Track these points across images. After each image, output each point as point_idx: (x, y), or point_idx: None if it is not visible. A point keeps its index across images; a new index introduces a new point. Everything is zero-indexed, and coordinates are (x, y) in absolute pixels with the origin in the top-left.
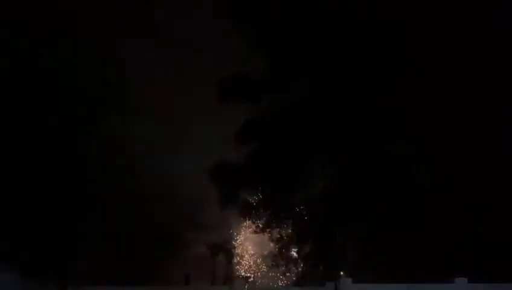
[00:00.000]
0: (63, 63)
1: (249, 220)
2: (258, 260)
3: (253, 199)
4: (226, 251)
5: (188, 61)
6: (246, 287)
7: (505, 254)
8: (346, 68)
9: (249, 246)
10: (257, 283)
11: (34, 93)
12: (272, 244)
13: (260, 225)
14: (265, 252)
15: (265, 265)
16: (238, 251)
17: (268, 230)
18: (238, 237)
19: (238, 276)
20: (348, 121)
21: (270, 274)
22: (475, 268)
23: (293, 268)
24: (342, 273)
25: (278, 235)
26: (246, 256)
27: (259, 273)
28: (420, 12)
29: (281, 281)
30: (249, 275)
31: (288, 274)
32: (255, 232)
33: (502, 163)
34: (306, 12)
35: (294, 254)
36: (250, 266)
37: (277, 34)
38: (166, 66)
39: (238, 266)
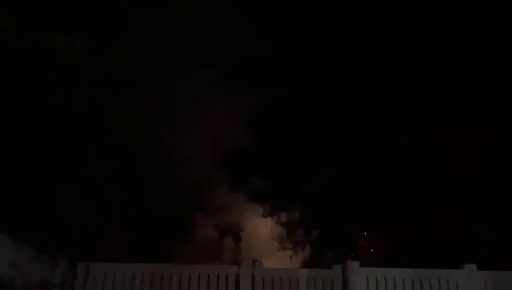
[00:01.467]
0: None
1: (257, 203)
2: (266, 243)
3: (262, 184)
4: (234, 233)
5: (198, 47)
6: (254, 267)
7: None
8: (349, 64)
9: (257, 228)
10: (264, 265)
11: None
12: (280, 228)
13: (268, 209)
14: (273, 235)
15: (273, 248)
16: (246, 233)
17: (276, 214)
18: (246, 220)
19: (246, 258)
20: (353, 114)
21: (278, 256)
22: (484, 256)
23: (301, 251)
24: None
25: (286, 219)
26: (254, 239)
27: (267, 256)
28: (421, 12)
29: (289, 263)
30: (255, 258)
31: (294, 257)
32: (263, 215)
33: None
34: (307, 11)
35: (301, 237)
36: (258, 249)
37: (279, 31)
38: (173, 51)
39: (246, 248)
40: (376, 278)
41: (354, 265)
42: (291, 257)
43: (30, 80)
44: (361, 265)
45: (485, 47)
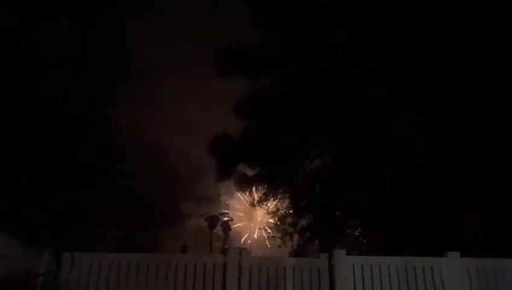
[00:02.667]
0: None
1: (246, 193)
2: (255, 232)
3: (251, 172)
4: (223, 222)
5: (190, 30)
6: (241, 256)
7: (497, 230)
8: (348, 48)
9: (246, 217)
10: (252, 253)
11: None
12: (268, 217)
13: (257, 198)
14: (262, 225)
15: (262, 237)
16: (235, 222)
17: (265, 203)
18: (235, 210)
19: (234, 246)
20: (348, 100)
21: (266, 246)
22: (468, 243)
23: (289, 240)
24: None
25: (275, 209)
26: (243, 228)
27: (254, 246)
28: (421, 12)
29: (276, 253)
30: (244, 247)
31: (283, 246)
32: (252, 205)
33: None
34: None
35: (290, 227)
36: (247, 238)
37: (281, 13)
38: (167, 36)
39: (234, 237)
40: (362, 266)
41: (340, 254)
42: (279, 246)
43: (21, 68)
44: (349, 253)
45: (485, 47)
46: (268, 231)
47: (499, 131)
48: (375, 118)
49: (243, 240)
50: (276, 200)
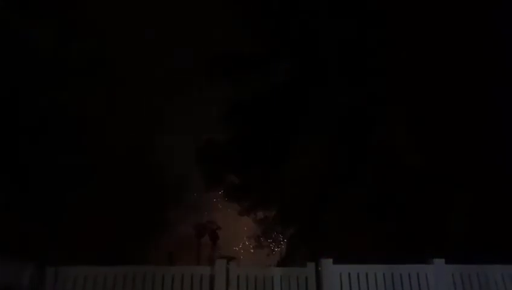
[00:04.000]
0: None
1: (234, 201)
2: (243, 241)
3: (238, 181)
4: (211, 231)
5: (178, 39)
6: (228, 266)
7: (482, 237)
8: (335, 51)
9: (234, 226)
10: (240, 264)
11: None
12: (256, 226)
13: (245, 207)
14: (250, 233)
15: (250, 246)
16: (223, 231)
17: (253, 212)
18: (223, 218)
19: (221, 256)
20: (335, 105)
21: (254, 255)
22: (453, 250)
23: (277, 249)
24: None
25: (263, 217)
26: (231, 237)
27: (242, 255)
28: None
29: (265, 261)
30: (232, 256)
31: (270, 255)
32: (240, 214)
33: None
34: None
35: (278, 235)
36: (235, 247)
37: (270, 14)
38: (155, 41)
39: (223, 247)
40: (349, 274)
41: (327, 262)
42: (268, 255)
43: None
44: (337, 261)
45: (485, 45)
46: (257, 239)
47: (485, 136)
48: (362, 121)
49: (230, 248)
50: (265, 209)
